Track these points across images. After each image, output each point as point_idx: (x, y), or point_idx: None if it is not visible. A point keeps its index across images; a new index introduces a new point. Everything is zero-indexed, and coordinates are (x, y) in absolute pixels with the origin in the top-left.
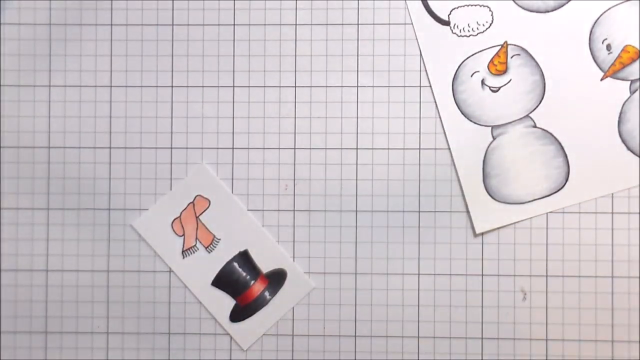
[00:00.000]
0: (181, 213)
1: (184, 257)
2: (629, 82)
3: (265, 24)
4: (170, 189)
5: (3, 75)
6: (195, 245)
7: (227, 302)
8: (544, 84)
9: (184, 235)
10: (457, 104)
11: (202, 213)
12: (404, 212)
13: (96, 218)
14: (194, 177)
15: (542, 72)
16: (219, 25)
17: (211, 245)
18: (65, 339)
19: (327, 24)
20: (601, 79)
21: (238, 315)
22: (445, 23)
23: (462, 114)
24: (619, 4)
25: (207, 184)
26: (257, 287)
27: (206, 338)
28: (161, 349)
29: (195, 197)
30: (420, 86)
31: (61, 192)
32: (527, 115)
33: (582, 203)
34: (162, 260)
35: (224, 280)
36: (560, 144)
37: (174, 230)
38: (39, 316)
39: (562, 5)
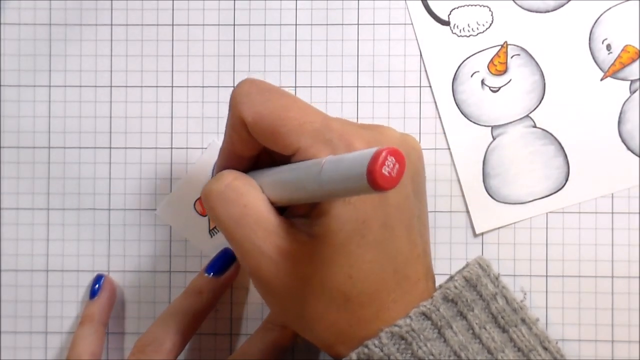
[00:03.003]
0: None
1: (212, 237)
2: (629, 82)
3: (265, 24)
4: (170, 190)
5: (3, 75)
6: None
7: None
8: (544, 84)
9: (207, 214)
10: (457, 104)
11: None
12: None
13: (96, 218)
14: (209, 156)
15: (542, 72)
16: (219, 25)
17: None
18: (65, 339)
19: (327, 24)
20: (601, 79)
21: None
22: (445, 23)
23: (462, 114)
24: (619, 4)
25: None
26: None
27: (206, 338)
28: None
29: None
30: (420, 86)
31: (61, 192)
32: (527, 115)
33: (582, 203)
34: (188, 245)
35: None
36: (560, 144)
37: (197, 211)
38: (39, 316)
39: (562, 5)
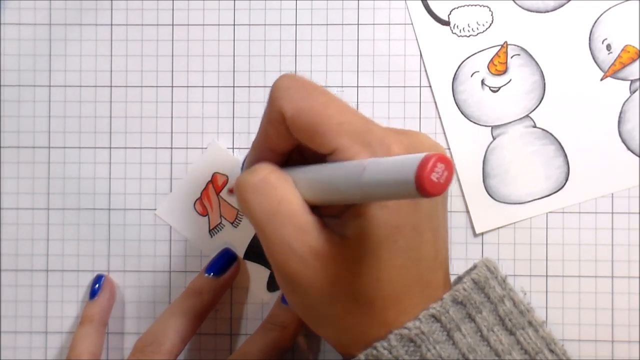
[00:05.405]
0: (201, 193)
1: (212, 237)
2: (629, 82)
3: (265, 24)
4: (170, 190)
5: (3, 75)
6: (221, 222)
7: (262, 273)
8: (544, 84)
9: (207, 214)
10: (457, 104)
11: (222, 190)
12: None
13: (96, 218)
14: (209, 156)
15: (542, 72)
16: (219, 25)
17: (236, 220)
18: (65, 339)
19: (327, 24)
20: (601, 79)
21: (275, 283)
22: (445, 23)
23: (462, 114)
24: (619, 4)
25: (223, 161)
26: None
27: (206, 338)
28: None
29: (212, 175)
30: (420, 86)
31: (61, 192)
32: (527, 115)
33: (582, 203)
34: (188, 244)
35: (255, 251)
36: (560, 144)
37: (197, 212)
38: (39, 316)
39: (562, 5)
